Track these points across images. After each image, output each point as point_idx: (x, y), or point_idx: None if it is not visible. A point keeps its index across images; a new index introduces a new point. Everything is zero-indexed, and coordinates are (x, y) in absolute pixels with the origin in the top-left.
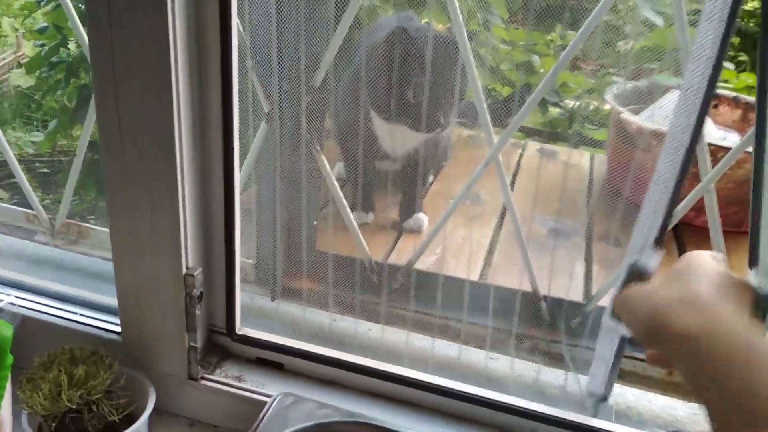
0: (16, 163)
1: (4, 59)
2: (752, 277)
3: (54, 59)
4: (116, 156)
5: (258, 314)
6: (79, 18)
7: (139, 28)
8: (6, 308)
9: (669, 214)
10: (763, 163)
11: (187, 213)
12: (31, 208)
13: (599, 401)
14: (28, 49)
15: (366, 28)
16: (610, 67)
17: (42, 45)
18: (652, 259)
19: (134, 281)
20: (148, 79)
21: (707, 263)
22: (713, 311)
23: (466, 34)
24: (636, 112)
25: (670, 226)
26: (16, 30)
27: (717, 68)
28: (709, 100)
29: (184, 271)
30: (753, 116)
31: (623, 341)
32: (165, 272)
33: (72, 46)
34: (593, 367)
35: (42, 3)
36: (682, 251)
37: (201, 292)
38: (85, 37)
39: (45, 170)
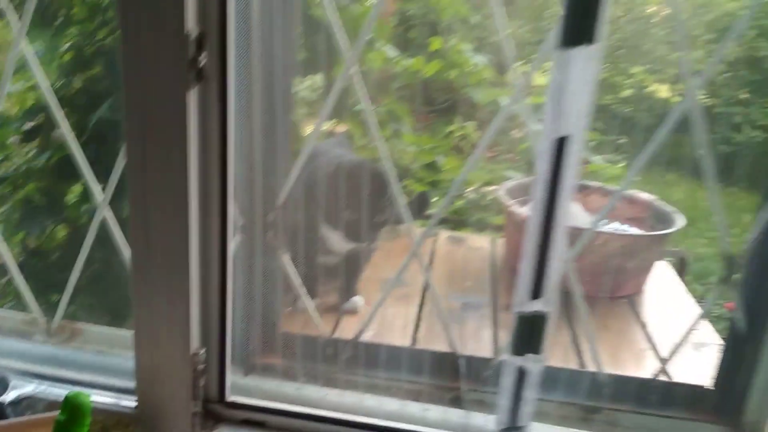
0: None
1: None
2: None
3: None
4: (144, 265)
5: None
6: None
7: (166, 172)
8: (37, 395)
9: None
10: None
11: (195, 305)
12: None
13: (511, 430)
14: None
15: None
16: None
17: None
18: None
19: (152, 361)
20: (169, 208)
21: None
22: None
23: (383, 141)
24: (526, 203)
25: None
26: None
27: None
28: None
29: (191, 351)
30: (618, 203)
31: (522, 373)
32: (178, 352)
33: None
34: (501, 400)
35: None
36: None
37: (203, 367)
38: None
39: None
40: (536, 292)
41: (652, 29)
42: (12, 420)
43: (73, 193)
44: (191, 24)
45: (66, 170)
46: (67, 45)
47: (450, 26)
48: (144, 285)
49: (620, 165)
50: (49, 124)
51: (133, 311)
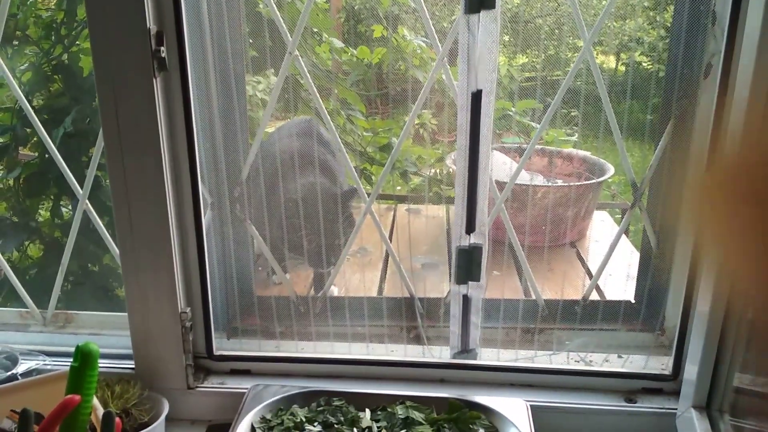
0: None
1: None
2: None
3: None
4: (127, 242)
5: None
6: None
7: (141, 156)
8: (44, 367)
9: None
10: None
11: (178, 272)
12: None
13: (463, 354)
14: None
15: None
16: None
17: None
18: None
19: (145, 323)
20: (147, 189)
21: None
22: None
23: (334, 127)
24: None
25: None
26: None
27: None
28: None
29: (179, 310)
30: (557, 161)
31: (466, 300)
32: (167, 312)
33: None
34: (452, 327)
35: None
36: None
37: (191, 324)
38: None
39: None
40: (469, 227)
41: (593, 0)
42: (29, 378)
43: (44, 209)
44: (151, 21)
45: (36, 186)
46: (25, 65)
47: (392, 14)
48: (131, 258)
49: (573, 137)
50: (15, 143)
51: (123, 281)
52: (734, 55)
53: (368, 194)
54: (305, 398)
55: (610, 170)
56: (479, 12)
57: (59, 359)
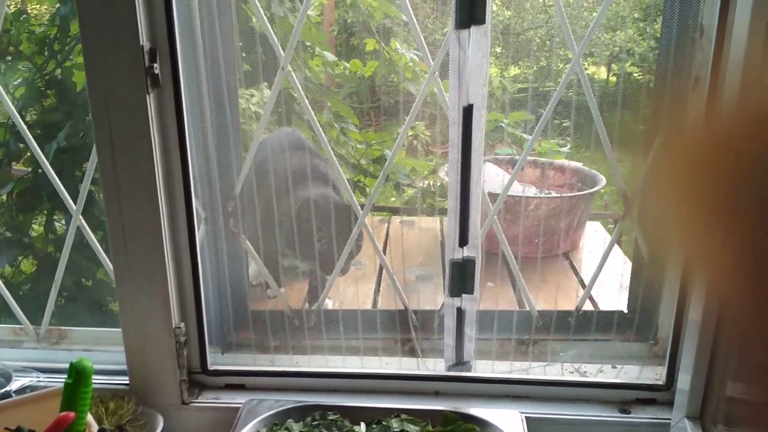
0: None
1: None
2: None
3: None
4: (121, 256)
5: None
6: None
7: (135, 172)
8: (38, 384)
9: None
10: None
11: (172, 287)
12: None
13: (458, 366)
14: None
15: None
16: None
17: None
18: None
19: (139, 338)
20: (141, 204)
21: None
22: None
23: (327, 140)
24: None
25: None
26: None
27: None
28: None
29: (173, 325)
30: (549, 172)
31: (460, 312)
32: (161, 328)
33: None
34: (446, 339)
35: None
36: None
37: (185, 339)
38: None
39: None
40: (462, 240)
41: (584, 12)
42: (23, 396)
43: (38, 224)
44: (144, 37)
45: (29, 201)
46: (18, 80)
47: (384, 27)
48: (125, 273)
49: (566, 147)
50: (8, 158)
51: (117, 297)
52: (721, 67)
53: (362, 206)
54: (300, 412)
55: (603, 181)
56: (469, 27)
57: (53, 376)
